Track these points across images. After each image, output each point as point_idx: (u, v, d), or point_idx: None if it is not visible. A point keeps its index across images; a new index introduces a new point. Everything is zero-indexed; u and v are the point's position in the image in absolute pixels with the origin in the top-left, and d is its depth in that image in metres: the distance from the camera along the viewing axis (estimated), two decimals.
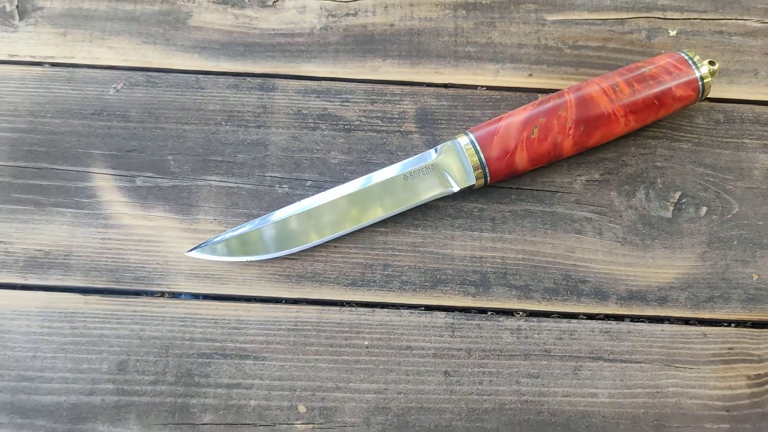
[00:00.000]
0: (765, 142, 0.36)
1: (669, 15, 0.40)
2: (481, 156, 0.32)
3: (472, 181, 0.33)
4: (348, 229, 0.33)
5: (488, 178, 0.33)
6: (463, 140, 0.33)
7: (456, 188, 0.33)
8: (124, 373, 0.31)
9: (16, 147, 0.36)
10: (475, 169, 0.33)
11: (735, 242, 0.34)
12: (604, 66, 0.38)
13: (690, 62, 0.34)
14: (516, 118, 0.33)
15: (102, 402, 0.31)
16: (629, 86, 0.33)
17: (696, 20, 0.40)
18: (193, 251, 0.33)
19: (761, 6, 0.40)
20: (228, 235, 0.33)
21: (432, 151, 0.34)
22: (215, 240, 0.33)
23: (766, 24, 0.40)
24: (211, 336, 0.32)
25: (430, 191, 0.33)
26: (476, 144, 0.32)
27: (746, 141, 0.36)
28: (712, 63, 0.34)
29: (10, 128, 0.36)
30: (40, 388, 0.31)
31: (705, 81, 0.34)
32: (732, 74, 0.38)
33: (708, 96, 0.36)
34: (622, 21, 0.39)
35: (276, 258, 0.33)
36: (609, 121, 0.33)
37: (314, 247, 0.34)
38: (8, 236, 0.34)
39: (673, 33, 0.39)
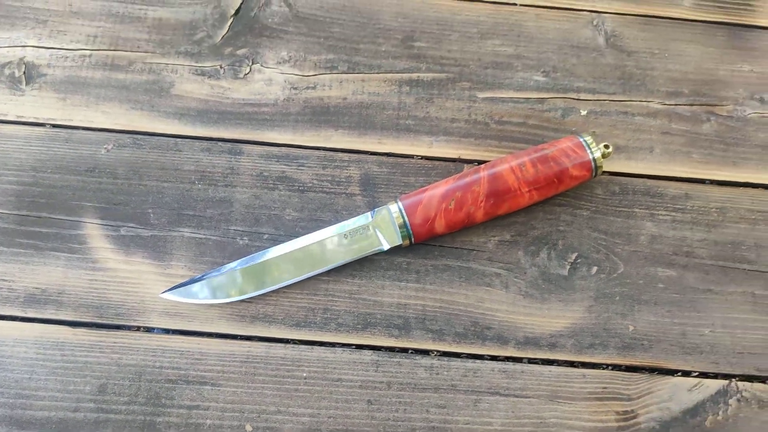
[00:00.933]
0: (652, 211, 0.43)
1: (582, 96, 0.46)
2: (407, 222, 0.39)
3: (399, 242, 0.39)
4: (296, 279, 0.39)
5: (412, 239, 0.39)
6: (394, 207, 0.39)
7: (386, 247, 0.39)
8: (103, 394, 0.38)
9: (21, 198, 0.42)
10: (401, 232, 0.39)
11: (617, 298, 0.40)
12: (523, 140, 0.44)
13: (586, 147, 0.40)
14: (438, 190, 0.39)
15: (84, 418, 0.37)
16: (533, 166, 0.39)
17: (605, 101, 0.46)
18: (165, 293, 0.39)
19: (664, 89, 0.46)
20: (196, 280, 0.39)
21: (369, 214, 0.40)
22: (184, 284, 0.39)
23: (666, 106, 0.46)
24: (177, 365, 0.38)
25: (365, 248, 0.39)
26: (404, 212, 0.39)
27: (636, 210, 0.43)
28: (606, 146, 0.40)
29: (16, 181, 0.42)
30: (34, 405, 0.37)
31: (598, 163, 0.40)
32: (631, 151, 0.44)
33: (604, 171, 0.42)
34: (542, 100, 0.45)
35: (233, 301, 0.39)
36: (515, 195, 0.39)
37: (266, 292, 0.40)
38: (12, 275, 0.40)
39: (584, 113, 0.45)
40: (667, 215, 0.43)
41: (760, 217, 0.43)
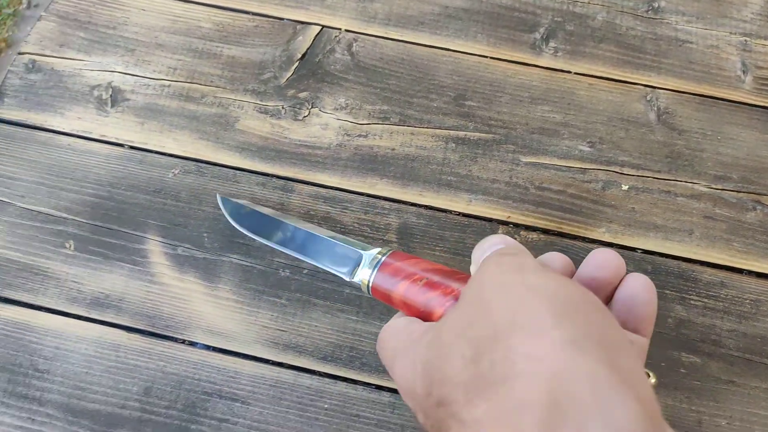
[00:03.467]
0: (683, 295, 0.45)
1: (626, 171, 0.49)
2: (373, 275, 0.36)
3: (358, 284, 0.37)
4: (280, 248, 0.42)
5: (369, 292, 0.36)
6: (378, 256, 0.36)
7: (347, 278, 0.39)
8: (147, 396, 0.45)
9: (96, 210, 0.49)
10: (362, 281, 0.36)
11: None
12: (561, 208, 0.48)
13: None
14: (419, 266, 0.35)
15: (129, 415, 0.44)
16: None
17: (649, 178, 0.49)
18: (223, 200, 0.47)
19: (712, 172, 0.49)
20: (241, 206, 0.46)
21: (364, 245, 0.39)
22: (235, 203, 0.46)
23: (711, 189, 0.48)
24: (213, 380, 0.45)
25: (340, 267, 0.39)
26: (379, 263, 0.36)
27: (667, 292, 0.45)
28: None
29: (93, 194, 0.50)
30: (88, 397, 0.45)
31: None
32: (669, 231, 0.47)
33: (644, 251, 0.41)
34: (584, 170, 0.49)
35: (265, 301, 0.45)
36: None
37: (300, 322, 0.46)
38: (82, 278, 0.48)
39: (625, 187, 0.48)
40: (699, 301, 0.45)
41: None
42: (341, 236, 0.40)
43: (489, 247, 0.28)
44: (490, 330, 0.20)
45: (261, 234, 0.44)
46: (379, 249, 0.38)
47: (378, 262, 0.36)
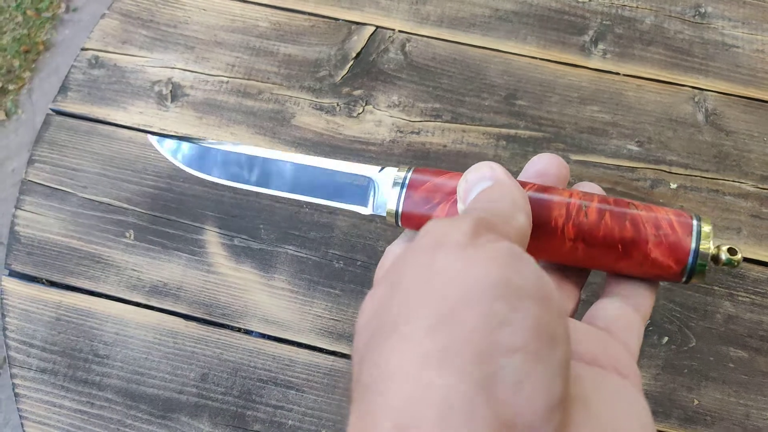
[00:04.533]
0: (732, 291, 0.47)
1: (674, 170, 0.50)
2: (401, 197, 0.28)
3: (383, 214, 0.30)
4: (274, 192, 0.34)
5: (399, 220, 0.29)
6: (400, 175, 0.29)
7: (367, 211, 0.31)
8: (204, 382, 0.46)
9: (156, 201, 0.52)
10: (388, 210, 0.29)
11: (686, 371, 0.45)
12: None
13: (694, 231, 0.25)
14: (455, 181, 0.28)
15: (187, 400, 0.46)
16: (599, 214, 0.26)
17: (696, 177, 0.50)
18: (156, 138, 0.36)
19: (759, 173, 0.50)
20: (190, 142, 0.36)
21: (377, 168, 0.32)
22: (184, 139, 0.36)
23: (759, 189, 0.50)
24: (268, 367, 0.46)
25: (350, 200, 0.32)
26: (405, 184, 0.28)
27: (716, 288, 0.47)
28: (732, 251, 0.25)
29: (153, 186, 0.52)
30: (147, 382, 0.47)
31: (700, 261, 0.25)
32: (717, 229, 0.49)
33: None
34: (632, 169, 0.51)
35: (319, 291, 0.47)
36: (553, 237, 0.26)
37: (353, 312, 0.47)
38: (141, 267, 0.50)
39: (673, 186, 0.50)
40: (747, 297, 0.46)
41: None
42: (339, 162, 0.33)
43: (475, 182, 0.22)
44: (384, 325, 0.17)
45: (239, 178, 0.35)
46: (396, 167, 0.30)
47: (403, 184, 0.29)
